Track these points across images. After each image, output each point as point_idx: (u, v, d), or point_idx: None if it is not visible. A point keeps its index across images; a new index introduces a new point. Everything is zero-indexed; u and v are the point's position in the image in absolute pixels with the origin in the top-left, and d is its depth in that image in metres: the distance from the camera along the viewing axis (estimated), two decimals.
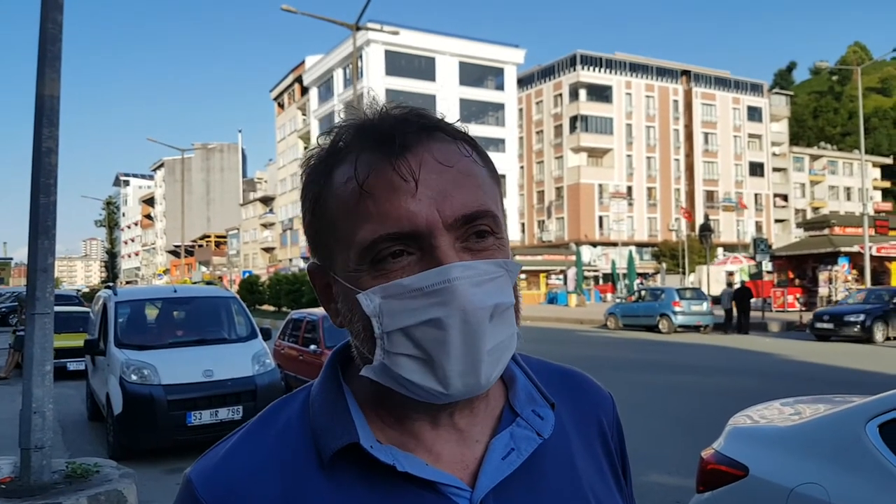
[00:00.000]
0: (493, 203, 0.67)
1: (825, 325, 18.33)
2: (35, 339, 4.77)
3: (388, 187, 0.63)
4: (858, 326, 17.42)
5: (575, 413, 0.79)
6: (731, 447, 2.97)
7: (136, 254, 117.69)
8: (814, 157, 77.74)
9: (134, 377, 6.94)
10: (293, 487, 0.65)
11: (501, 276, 0.65)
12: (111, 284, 9.21)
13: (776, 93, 77.80)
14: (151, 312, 8.69)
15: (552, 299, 44.67)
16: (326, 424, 0.68)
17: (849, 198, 76.56)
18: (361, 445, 0.65)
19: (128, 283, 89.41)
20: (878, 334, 17.48)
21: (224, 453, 0.69)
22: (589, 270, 53.26)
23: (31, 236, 4.89)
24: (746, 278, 32.23)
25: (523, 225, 63.15)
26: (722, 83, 68.30)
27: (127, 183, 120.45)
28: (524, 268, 49.55)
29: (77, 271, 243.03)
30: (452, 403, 0.67)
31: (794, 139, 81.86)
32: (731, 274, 37.06)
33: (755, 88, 70.75)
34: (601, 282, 54.08)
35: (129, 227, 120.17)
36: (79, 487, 4.75)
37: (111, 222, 76.73)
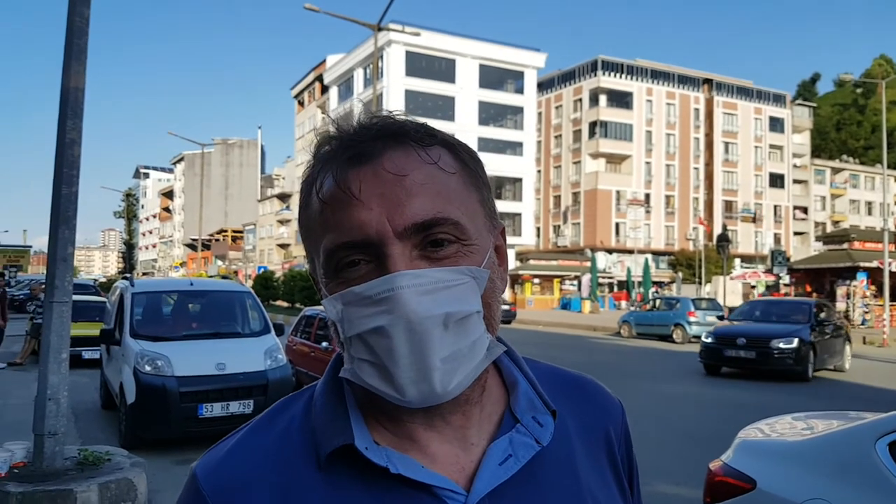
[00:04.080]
0: (459, 210, 0.66)
1: (741, 354, 12.76)
2: (52, 327, 4.84)
3: (342, 198, 0.65)
4: (793, 356, 12.25)
5: (581, 420, 0.78)
6: (739, 460, 2.96)
7: (154, 246, 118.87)
8: (835, 170, 76.80)
9: (148, 368, 7.02)
10: (291, 485, 0.67)
11: (463, 283, 0.65)
12: (128, 276, 9.32)
13: (799, 104, 76.96)
14: (167, 305, 8.78)
15: (565, 305, 44.59)
16: (325, 425, 0.69)
17: (870, 212, 75.57)
18: (356, 447, 0.66)
19: (144, 274, 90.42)
20: (809, 366, 12.49)
21: (228, 449, 0.71)
22: (604, 277, 53.00)
23: (52, 226, 4.96)
24: (763, 290, 31.90)
25: (539, 229, 62.96)
26: (744, 93, 67.71)
27: (147, 175, 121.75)
28: (538, 273, 49.92)
29: (95, 261, 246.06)
30: (441, 406, 0.67)
31: (816, 151, 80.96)
32: (753, 287, 36.50)
33: (778, 99, 70.06)
34: (616, 289, 53.78)
35: (147, 220, 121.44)
36: (90, 475, 4.81)
37: (130, 214, 77.52)
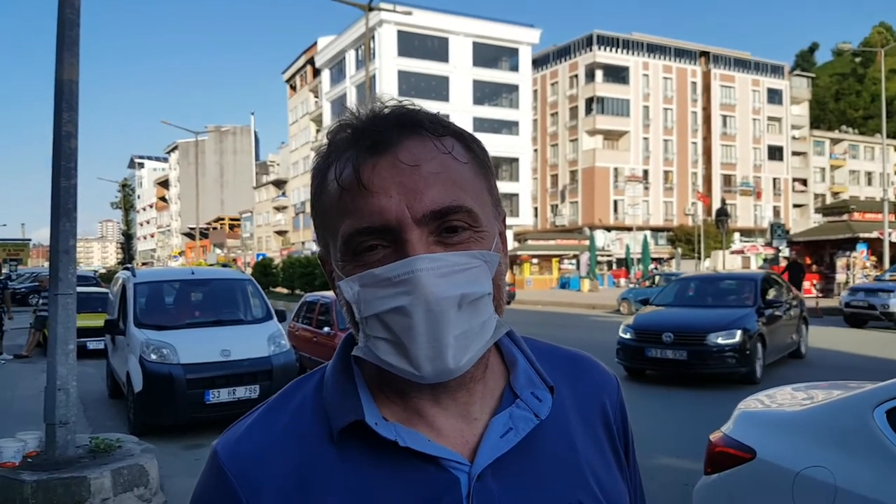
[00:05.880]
0: (472, 198, 0.71)
1: (668, 354, 9.52)
2: (59, 319, 4.89)
3: (364, 184, 0.68)
4: (735, 354, 9.22)
5: (578, 395, 0.83)
6: (739, 431, 3.02)
7: (152, 235, 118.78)
8: (834, 141, 76.60)
9: (153, 356, 7.10)
10: (307, 460, 0.71)
11: (476, 266, 0.69)
12: (130, 266, 9.37)
13: (797, 75, 76.57)
14: (170, 294, 8.84)
15: (564, 284, 44.63)
16: (337, 402, 0.74)
17: (869, 183, 75.49)
18: (366, 423, 0.70)
19: (144, 264, 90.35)
20: (757, 364, 9.53)
21: (246, 427, 0.76)
22: (602, 255, 53.09)
23: (52, 219, 4.98)
24: (761, 264, 31.92)
25: (536, 209, 62.90)
26: (741, 65, 67.28)
27: (142, 165, 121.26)
28: (536, 253, 49.94)
29: (93, 252, 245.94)
30: (448, 383, 0.71)
31: (815, 122, 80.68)
32: (771, 258, 35.96)
33: (776, 70, 69.64)
34: (615, 267, 53.90)
35: (144, 210, 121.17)
36: (102, 462, 4.88)
37: (127, 204, 77.33)
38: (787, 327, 11.13)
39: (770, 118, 68.46)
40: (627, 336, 10.24)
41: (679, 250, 52.05)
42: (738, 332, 9.33)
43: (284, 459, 0.72)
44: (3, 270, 37.40)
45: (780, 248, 31.12)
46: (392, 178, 0.68)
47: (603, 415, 0.84)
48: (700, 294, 11.38)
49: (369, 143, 0.69)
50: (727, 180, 65.26)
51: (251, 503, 0.70)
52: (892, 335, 15.45)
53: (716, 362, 9.34)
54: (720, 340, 9.31)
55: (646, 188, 59.98)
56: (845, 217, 30.96)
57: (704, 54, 65.64)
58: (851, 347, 13.37)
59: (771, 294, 10.96)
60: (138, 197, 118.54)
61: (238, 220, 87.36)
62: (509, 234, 52.74)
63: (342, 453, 0.71)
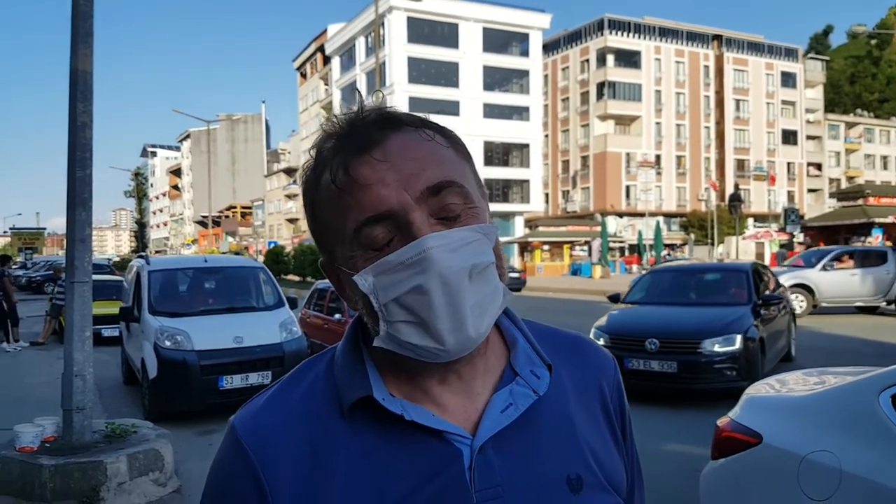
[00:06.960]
0: (461, 176, 0.76)
1: (654, 366, 7.58)
2: (75, 307, 4.97)
3: (360, 180, 0.72)
4: (735, 364, 7.43)
5: (576, 375, 0.87)
6: (746, 416, 3.03)
7: (165, 224, 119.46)
8: (849, 125, 75.55)
9: (168, 343, 7.20)
10: (319, 433, 0.76)
11: (478, 239, 0.74)
12: (144, 254, 9.47)
13: (811, 58, 75.43)
14: (183, 282, 8.94)
15: (576, 271, 44.53)
16: (346, 380, 0.78)
17: (885, 167, 74.50)
18: (374, 398, 0.75)
19: (157, 252, 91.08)
20: (759, 376, 7.15)
21: (262, 403, 0.80)
22: (614, 241, 52.82)
23: (68, 208, 5.05)
24: (776, 250, 31.70)
25: (547, 195, 62.57)
26: (755, 48, 66.36)
27: (154, 154, 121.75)
28: (547, 239, 49.84)
29: (107, 241, 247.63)
30: (455, 361, 0.75)
31: (830, 106, 79.54)
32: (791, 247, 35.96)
33: (789, 53, 68.65)
34: (627, 253, 53.68)
35: (157, 198, 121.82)
36: (118, 447, 4.98)
37: (140, 193, 77.95)
38: (780, 327, 9.29)
39: (784, 102, 67.57)
40: (601, 342, 7.76)
41: (692, 236, 51.78)
42: (738, 338, 7.51)
43: (298, 434, 0.76)
44: (19, 259, 37.83)
45: (795, 233, 30.88)
46: (385, 167, 0.72)
47: (600, 394, 0.88)
48: (681, 289, 9.38)
49: (356, 143, 0.74)
50: (740, 165, 64.62)
51: (267, 475, 0.74)
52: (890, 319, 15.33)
53: (712, 375, 7.49)
54: (717, 348, 7.50)
55: (658, 173, 59.46)
56: (860, 202, 30.68)
57: (717, 38, 64.80)
58: (851, 332, 13.29)
59: (763, 288, 9.16)
60: (151, 185, 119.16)
61: (250, 208, 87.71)
62: (520, 221, 52.69)
63: (352, 427, 0.76)
